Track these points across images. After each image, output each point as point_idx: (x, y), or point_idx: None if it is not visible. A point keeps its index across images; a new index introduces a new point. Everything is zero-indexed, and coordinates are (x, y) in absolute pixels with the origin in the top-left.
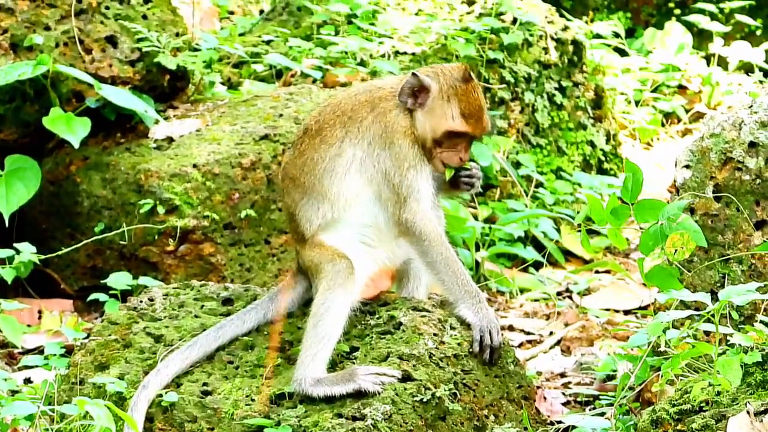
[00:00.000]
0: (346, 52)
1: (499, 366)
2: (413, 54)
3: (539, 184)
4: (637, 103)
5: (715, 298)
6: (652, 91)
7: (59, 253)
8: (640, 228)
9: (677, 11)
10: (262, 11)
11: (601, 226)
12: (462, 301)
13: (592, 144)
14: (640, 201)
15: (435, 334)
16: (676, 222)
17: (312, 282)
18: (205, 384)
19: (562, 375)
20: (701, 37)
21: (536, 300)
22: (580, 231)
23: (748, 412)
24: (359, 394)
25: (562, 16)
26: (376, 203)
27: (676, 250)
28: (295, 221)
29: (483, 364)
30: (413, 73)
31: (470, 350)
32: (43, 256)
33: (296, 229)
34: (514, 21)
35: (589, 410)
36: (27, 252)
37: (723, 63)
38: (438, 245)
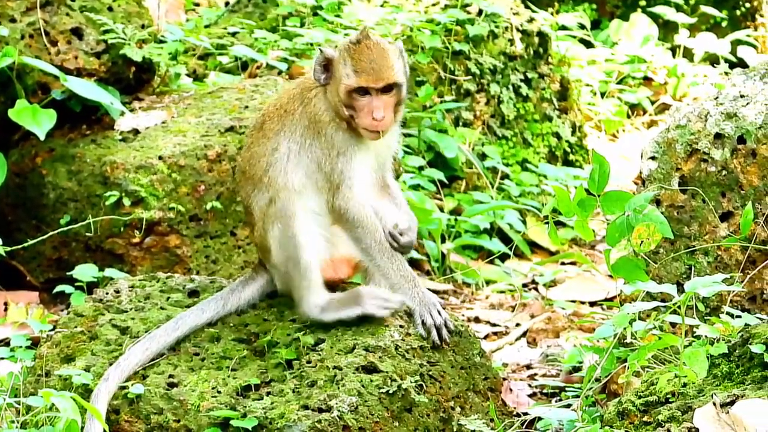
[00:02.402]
0: (311, 44)
1: (464, 357)
2: None
3: (505, 176)
4: (602, 94)
5: (681, 289)
6: (618, 83)
7: (25, 245)
8: (606, 220)
9: (642, 2)
10: (227, 3)
11: (568, 217)
12: (398, 286)
13: (557, 135)
14: (607, 192)
15: (401, 326)
16: (642, 213)
17: (268, 258)
18: (171, 376)
19: (528, 367)
20: (667, 29)
21: (502, 292)
22: (547, 223)
23: (714, 404)
24: (364, 319)
25: (527, 7)
26: (319, 194)
27: (642, 242)
28: (249, 213)
29: (433, 346)
30: (319, 49)
31: (422, 336)
32: (8, 248)
33: (252, 221)
34: (480, 12)
35: (555, 402)
36: None
37: (688, 54)
38: (372, 231)
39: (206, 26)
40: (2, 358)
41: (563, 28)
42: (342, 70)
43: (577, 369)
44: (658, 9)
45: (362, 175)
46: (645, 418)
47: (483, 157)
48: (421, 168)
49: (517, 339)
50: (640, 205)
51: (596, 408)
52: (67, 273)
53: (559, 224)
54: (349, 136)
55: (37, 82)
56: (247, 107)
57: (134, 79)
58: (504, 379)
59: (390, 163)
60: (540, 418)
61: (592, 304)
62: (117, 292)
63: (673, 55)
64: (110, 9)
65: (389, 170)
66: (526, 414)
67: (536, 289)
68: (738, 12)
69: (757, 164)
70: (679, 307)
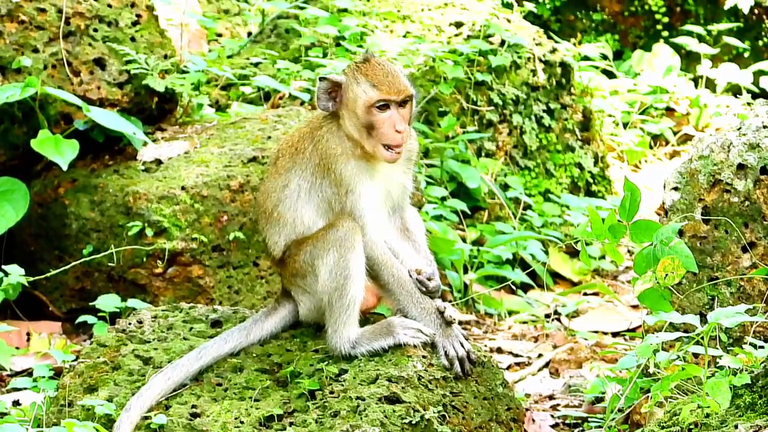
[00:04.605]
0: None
1: (487, 388)
2: None
3: (527, 207)
4: (625, 125)
5: (704, 320)
6: (640, 113)
7: (48, 275)
8: (629, 250)
9: (665, 33)
10: (250, 33)
11: (599, 241)
12: (420, 320)
13: (580, 166)
14: (637, 221)
15: (424, 356)
16: (668, 245)
17: (306, 283)
18: (194, 406)
19: (551, 397)
20: (689, 59)
21: (525, 322)
22: (573, 248)
23: None
24: (397, 347)
25: (550, 38)
26: None
27: (666, 275)
28: (266, 245)
29: (456, 377)
30: (321, 78)
31: (445, 367)
32: (31, 278)
33: (270, 252)
34: (502, 43)
35: None
36: (15, 274)
37: (711, 85)
38: (389, 267)
39: (229, 57)
40: (25, 388)
41: (585, 58)
42: (357, 89)
43: (599, 399)
44: (681, 40)
45: (373, 212)
46: None
47: (505, 187)
48: (443, 198)
49: (539, 369)
50: (667, 237)
51: None
52: (90, 303)
53: (576, 255)
54: (358, 166)
55: (59, 113)
56: (269, 138)
57: (157, 110)
58: (527, 409)
59: (407, 202)
60: None
61: (615, 334)
62: (140, 322)
63: (696, 86)
64: (133, 39)
65: (408, 209)
66: None
67: (559, 319)
68: (760, 42)
69: None
70: (702, 337)
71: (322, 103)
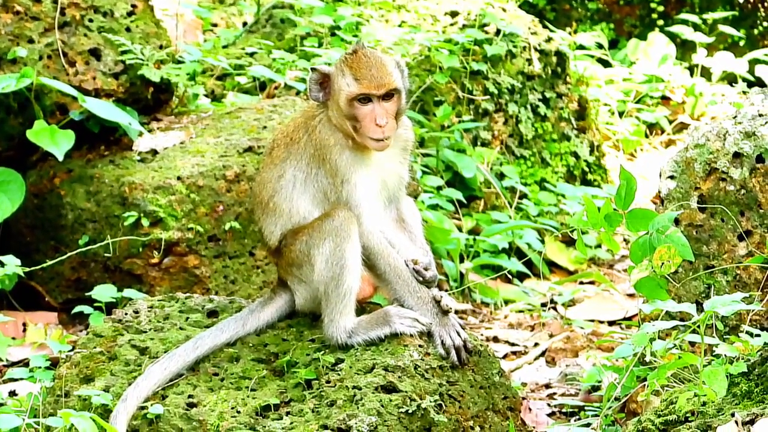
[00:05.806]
0: (329, 64)
1: (484, 377)
2: None
3: (523, 196)
4: (620, 114)
5: (700, 308)
6: (636, 102)
7: (44, 265)
8: (625, 239)
9: (660, 22)
10: (245, 23)
11: (595, 230)
12: (416, 309)
13: (575, 155)
14: (633, 210)
15: (420, 346)
16: (664, 234)
17: (303, 273)
18: (190, 396)
19: (547, 386)
20: (684, 48)
21: (521, 311)
22: (569, 237)
23: (736, 422)
24: (394, 336)
25: (545, 27)
26: None
27: (662, 264)
28: (262, 235)
29: (453, 366)
30: (312, 68)
31: (442, 356)
32: (27, 269)
33: (266, 242)
34: (498, 32)
35: (575, 421)
36: (11, 265)
37: (706, 74)
38: (385, 256)
39: (224, 47)
40: (21, 379)
41: (581, 47)
42: (341, 81)
43: (596, 388)
44: (676, 28)
45: (369, 201)
46: None
47: (501, 176)
48: (439, 188)
49: (536, 358)
50: (663, 226)
51: (615, 427)
52: (86, 293)
53: (572, 244)
54: (353, 155)
55: (55, 103)
56: (265, 127)
57: (152, 100)
58: (523, 398)
59: (403, 192)
60: None
61: (611, 323)
62: (136, 312)
63: (691, 75)
64: (128, 30)
65: (403, 200)
66: None
67: (555, 308)
68: (756, 31)
69: None
70: (698, 326)
71: (314, 93)
